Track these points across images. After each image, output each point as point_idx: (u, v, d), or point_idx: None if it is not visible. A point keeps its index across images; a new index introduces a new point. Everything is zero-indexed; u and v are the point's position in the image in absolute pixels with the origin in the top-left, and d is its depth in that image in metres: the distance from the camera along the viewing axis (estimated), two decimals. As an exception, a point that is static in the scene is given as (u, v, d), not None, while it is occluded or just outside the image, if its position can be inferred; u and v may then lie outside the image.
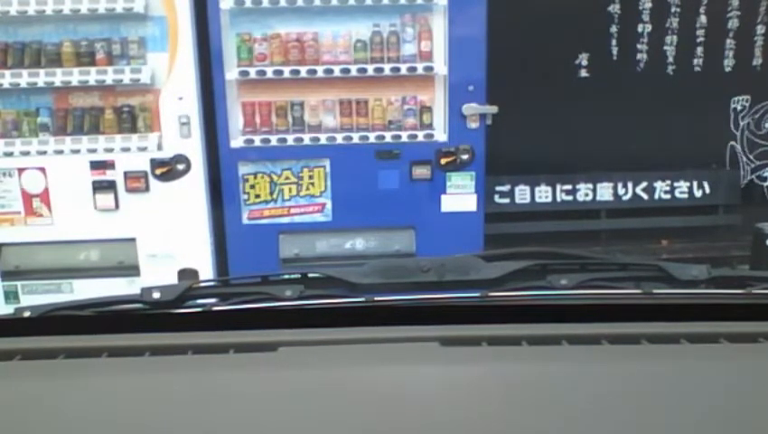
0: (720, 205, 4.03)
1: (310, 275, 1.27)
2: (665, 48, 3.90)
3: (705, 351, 0.98)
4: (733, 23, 3.88)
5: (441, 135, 3.40)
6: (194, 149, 3.32)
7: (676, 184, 3.98)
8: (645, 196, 3.98)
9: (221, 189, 3.41)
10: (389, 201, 3.43)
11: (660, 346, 0.98)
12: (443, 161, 3.40)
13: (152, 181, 3.31)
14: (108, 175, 3.30)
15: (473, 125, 3.37)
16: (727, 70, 3.95)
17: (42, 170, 3.28)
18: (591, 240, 3.91)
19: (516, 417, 0.83)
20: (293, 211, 3.47)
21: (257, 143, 3.36)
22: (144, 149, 3.29)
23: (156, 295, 1.15)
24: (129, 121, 3.32)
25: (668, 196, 3.99)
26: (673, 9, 3.85)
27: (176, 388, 0.90)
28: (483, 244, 3.44)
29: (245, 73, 3.29)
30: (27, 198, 3.31)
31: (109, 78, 3.21)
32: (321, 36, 3.31)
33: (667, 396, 0.85)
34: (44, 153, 3.26)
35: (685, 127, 3.81)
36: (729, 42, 3.90)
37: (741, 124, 4.03)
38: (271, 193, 3.44)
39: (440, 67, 3.33)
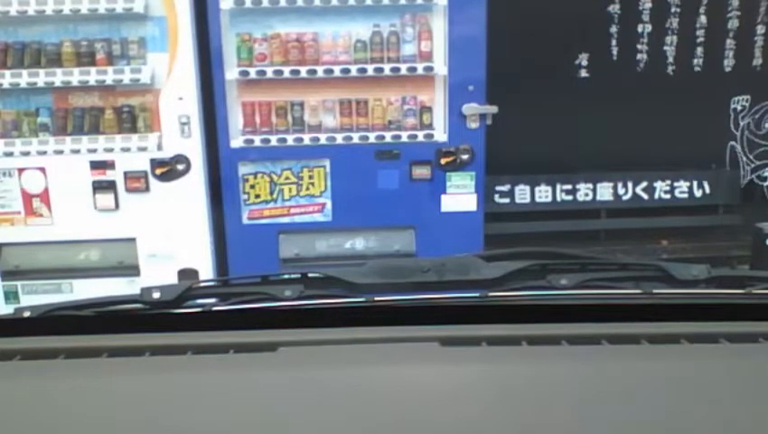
0: (720, 205, 4.03)
1: (310, 275, 1.27)
2: (665, 48, 3.90)
3: (705, 351, 0.98)
4: (733, 23, 3.88)
5: (441, 135, 3.40)
6: (194, 149, 3.32)
7: (676, 184, 3.98)
8: (645, 196, 3.98)
9: (221, 189, 3.41)
10: (389, 201, 3.43)
11: (660, 346, 0.98)
12: (443, 161, 3.40)
13: (152, 181, 3.31)
14: (108, 175, 3.30)
15: (473, 125, 3.37)
16: (727, 70, 3.95)
17: (42, 170, 3.28)
18: (591, 240, 3.91)
19: (516, 417, 0.83)
20: (293, 211, 3.47)
21: (257, 143, 3.36)
22: (144, 149, 3.29)
23: (156, 295, 1.15)
24: (129, 121, 3.32)
25: (668, 196, 3.99)
26: (673, 9, 3.85)
27: (176, 388, 0.90)
28: (483, 244, 3.44)
29: (245, 73, 3.29)
30: (27, 198, 3.31)
31: (109, 78, 3.21)
32: (321, 36, 3.31)
33: (667, 396, 0.85)
34: (44, 153, 3.26)
35: (685, 127, 3.81)
36: (729, 42, 3.91)
37: (741, 124, 4.03)
38: (271, 193, 3.44)
39: (440, 67, 3.32)
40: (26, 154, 3.26)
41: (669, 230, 3.98)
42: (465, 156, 3.40)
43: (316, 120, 3.40)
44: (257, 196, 3.44)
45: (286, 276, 1.29)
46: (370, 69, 3.30)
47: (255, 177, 3.42)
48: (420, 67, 3.32)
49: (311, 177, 3.43)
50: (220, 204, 3.42)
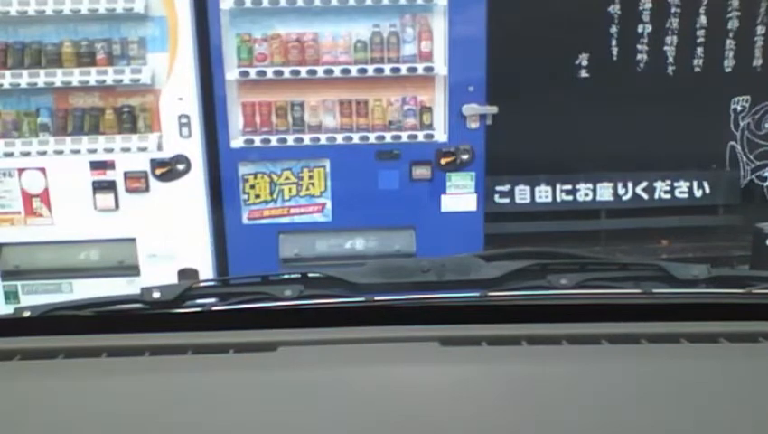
0: (720, 205, 4.03)
1: (310, 275, 1.27)
2: (665, 48, 3.90)
3: (705, 351, 0.98)
4: (733, 24, 3.88)
5: (441, 135, 3.40)
6: (194, 149, 3.32)
7: (676, 184, 3.98)
8: (645, 196, 3.98)
9: (221, 189, 3.41)
10: (389, 201, 3.43)
11: (660, 346, 0.98)
12: (443, 161, 3.40)
13: (152, 181, 3.31)
14: (108, 175, 3.30)
15: (473, 125, 3.37)
16: (727, 70, 3.95)
17: (43, 170, 3.28)
18: (591, 240, 3.91)
19: (516, 417, 0.83)
20: (293, 211, 3.47)
21: (257, 143, 3.36)
22: (144, 149, 3.29)
23: (156, 295, 1.15)
24: (129, 121, 3.32)
25: (668, 196, 3.98)
26: (673, 9, 3.85)
27: (176, 388, 0.90)
28: (483, 244, 3.44)
29: (245, 73, 3.29)
30: (27, 198, 3.31)
31: (110, 78, 3.22)
32: (321, 36, 3.31)
33: (667, 396, 0.85)
34: (44, 153, 3.26)
35: (685, 127, 3.81)
36: (729, 43, 3.90)
37: (741, 124, 4.03)
38: (271, 193, 3.44)
39: (440, 67, 3.32)
40: (26, 154, 3.26)
41: (669, 230, 3.98)
42: (465, 156, 3.40)
43: (316, 120, 3.40)
44: (258, 196, 3.44)
45: (286, 276, 1.29)
46: (370, 69, 3.30)
47: (255, 177, 3.42)
48: (420, 67, 3.32)
49: (311, 177, 3.43)
50: (220, 204, 3.42)
